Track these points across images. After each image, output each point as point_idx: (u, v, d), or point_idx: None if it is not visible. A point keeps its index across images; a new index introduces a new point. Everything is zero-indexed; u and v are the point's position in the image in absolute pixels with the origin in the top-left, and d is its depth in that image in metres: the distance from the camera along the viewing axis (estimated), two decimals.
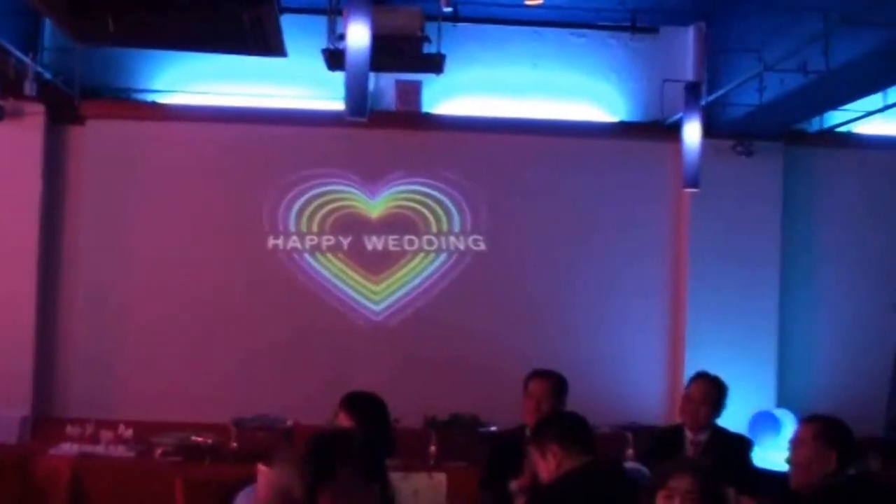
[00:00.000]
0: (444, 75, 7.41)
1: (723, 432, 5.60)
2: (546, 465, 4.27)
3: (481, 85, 8.49)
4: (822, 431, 4.31)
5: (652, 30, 8.59)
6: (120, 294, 8.24)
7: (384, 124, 8.10)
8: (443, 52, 6.96)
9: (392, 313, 8.44)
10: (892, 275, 8.26)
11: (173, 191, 8.30)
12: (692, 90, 7.36)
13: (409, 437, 6.49)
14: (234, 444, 7.32)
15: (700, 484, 3.40)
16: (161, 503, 6.13)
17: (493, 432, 7.26)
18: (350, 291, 8.42)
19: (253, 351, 8.23)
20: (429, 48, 6.87)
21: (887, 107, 7.71)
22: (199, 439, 7.31)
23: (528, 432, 5.31)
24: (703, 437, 5.53)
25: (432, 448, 7.46)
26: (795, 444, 4.37)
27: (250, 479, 4.60)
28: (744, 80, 7.15)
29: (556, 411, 5.16)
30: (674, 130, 7.80)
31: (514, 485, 5.14)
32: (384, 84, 8.29)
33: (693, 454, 5.38)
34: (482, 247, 8.51)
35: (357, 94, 5.64)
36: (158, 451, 7.24)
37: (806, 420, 4.54)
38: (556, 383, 5.45)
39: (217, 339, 8.24)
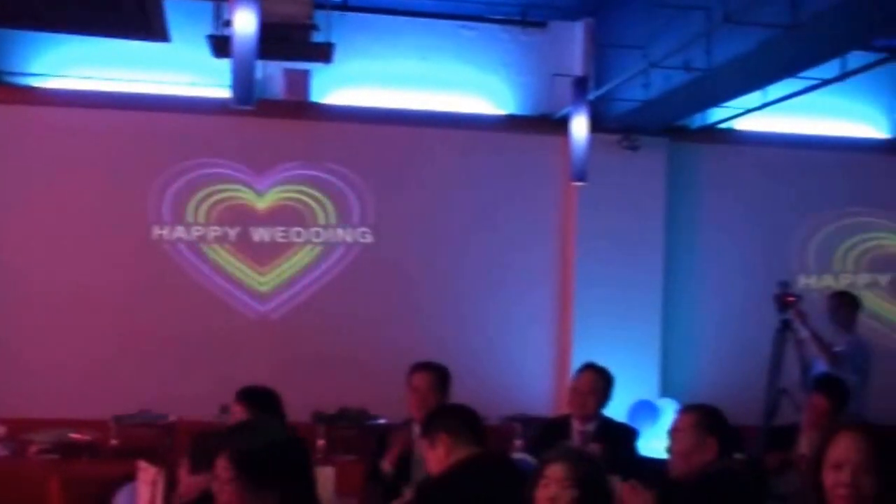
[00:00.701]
0: (334, 65, 7.36)
1: (609, 422, 5.65)
2: (435, 456, 4.25)
3: (371, 76, 8.44)
4: (700, 420, 4.37)
5: (541, 24, 8.66)
6: None
7: (272, 114, 8.00)
8: (332, 41, 6.89)
9: (279, 305, 8.34)
10: (771, 266, 8.48)
11: (52, 179, 8.04)
12: (580, 85, 7.45)
13: (297, 431, 6.40)
14: (114, 442, 7.15)
15: (575, 471, 3.40)
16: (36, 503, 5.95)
17: (380, 426, 7.23)
18: (236, 283, 8.29)
19: (134, 344, 8.03)
20: (318, 37, 6.79)
21: (766, 104, 7.91)
22: (77, 436, 7.11)
23: (414, 425, 5.29)
24: (590, 426, 5.57)
25: (320, 442, 7.40)
26: (675, 433, 4.42)
27: (130, 477, 4.50)
28: (629, 76, 7.27)
29: (447, 403, 5.14)
30: (562, 124, 7.87)
31: (385, 464, 5.14)
32: (272, 72, 8.16)
33: (580, 444, 5.42)
34: (370, 239, 8.47)
35: (243, 82, 5.55)
36: (33, 449, 7.00)
37: (684, 409, 4.60)
38: (438, 375, 5.41)
39: (97, 332, 8.01)
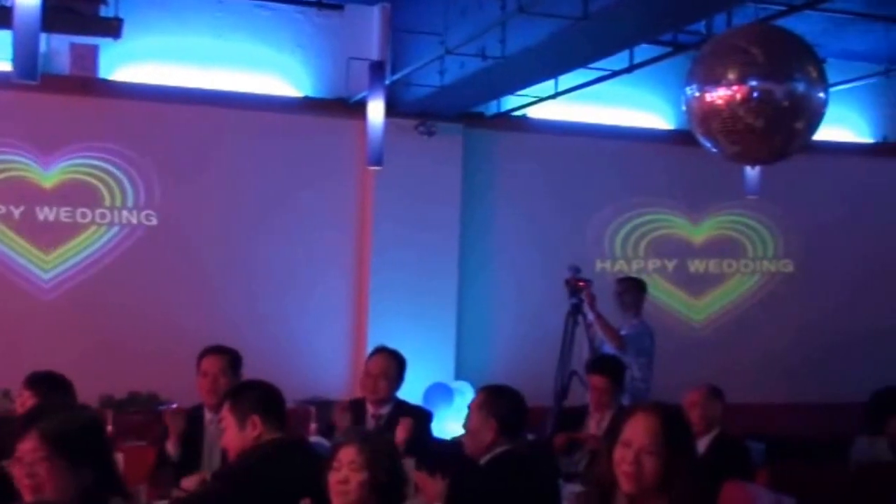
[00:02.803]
0: (123, 40, 7.14)
1: (404, 405, 5.69)
2: (243, 436, 4.14)
3: (162, 52, 8.19)
4: (484, 401, 4.48)
5: (338, 7, 8.62)
6: None
7: (58, 89, 7.68)
8: (121, 16, 6.68)
9: (63, 285, 8.03)
10: (563, 251, 8.72)
11: None
12: (376, 69, 7.46)
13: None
14: None
15: (364, 454, 3.43)
16: None
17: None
18: (20, 262, 7.94)
19: None
20: (106, 11, 6.56)
21: (559, 93, 8.16)
22: None
23: (206, 411, 5.21)
24: (384, 410, 5.61)
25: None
26: (468, 411, 4.54)
27: None
28: (426, 62, 7.34)
29: (258, 380, 5.01)
30: (358, 108, 7.87)
31: (168, 447, 5.09)
32: (58, 46, 7.82)
33: (375, 427, 5.45)
34: (154, 222, 8.24)
35: (26, 55, 5.31)
36: None
37: (480, 389, 4.75)
38: (229, 359, 5.33)
39: None
